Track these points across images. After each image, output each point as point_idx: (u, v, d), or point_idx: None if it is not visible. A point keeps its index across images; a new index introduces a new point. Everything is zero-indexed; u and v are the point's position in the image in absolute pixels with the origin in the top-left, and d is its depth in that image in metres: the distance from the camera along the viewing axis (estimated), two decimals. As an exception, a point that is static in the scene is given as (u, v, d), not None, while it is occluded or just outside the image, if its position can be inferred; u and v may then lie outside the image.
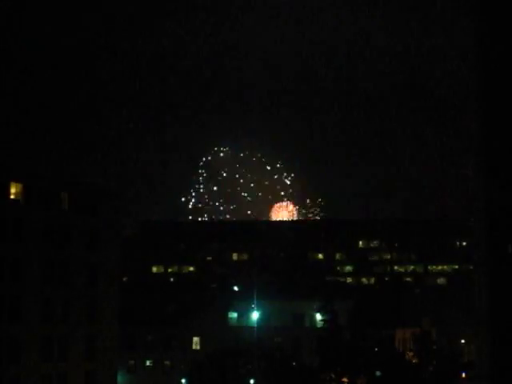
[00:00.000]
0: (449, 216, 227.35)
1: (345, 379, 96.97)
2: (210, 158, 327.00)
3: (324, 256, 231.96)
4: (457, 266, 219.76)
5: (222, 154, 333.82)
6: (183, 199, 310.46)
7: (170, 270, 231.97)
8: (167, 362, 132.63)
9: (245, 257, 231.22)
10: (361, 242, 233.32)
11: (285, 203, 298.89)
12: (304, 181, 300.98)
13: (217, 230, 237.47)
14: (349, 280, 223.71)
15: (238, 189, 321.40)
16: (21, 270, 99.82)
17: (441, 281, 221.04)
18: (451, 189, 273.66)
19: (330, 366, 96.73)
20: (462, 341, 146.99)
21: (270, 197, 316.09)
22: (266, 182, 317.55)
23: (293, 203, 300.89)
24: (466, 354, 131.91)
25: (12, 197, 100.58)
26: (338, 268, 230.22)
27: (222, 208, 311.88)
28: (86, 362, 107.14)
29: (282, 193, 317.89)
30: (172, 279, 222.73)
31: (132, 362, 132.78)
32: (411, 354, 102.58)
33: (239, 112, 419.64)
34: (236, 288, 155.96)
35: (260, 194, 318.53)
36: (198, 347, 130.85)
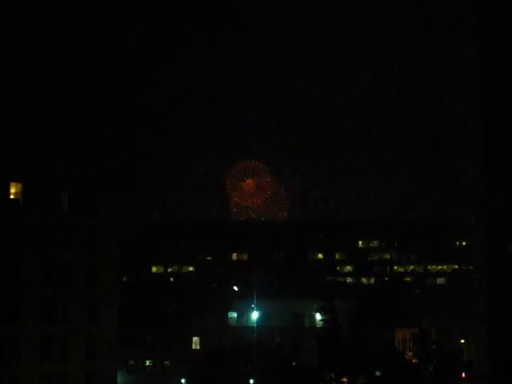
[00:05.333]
0: (449, 216, 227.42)
1: (345, 379, 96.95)
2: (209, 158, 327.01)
3: (324, 256, 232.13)
4: (457, 266, 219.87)
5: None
6: (182, 199, 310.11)
7: (169, 270, 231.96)
8: (167, 362, 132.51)
9: (245, 257, 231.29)
10: (361, 242, 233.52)
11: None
12: (304, 180, 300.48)
13: (217, 230, 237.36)
14: (349, 280, 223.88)
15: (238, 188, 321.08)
16: (21, 270, 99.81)
17: (440, 281, 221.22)
18: (451, 188, 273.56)
19: (330, 365, 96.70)
20: (462, 341, 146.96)
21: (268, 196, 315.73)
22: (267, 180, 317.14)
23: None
24: (465, 353, 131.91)
25: (12, 197, 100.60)
26: (338, 268, 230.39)
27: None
28: (86, 361, 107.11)
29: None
30: (172, 279, 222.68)
31: (132, 362, 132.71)
32: (411, 353, 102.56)
33: (239, 115, 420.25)
34: (236, 288, 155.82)
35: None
36: (198, 347, 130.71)
